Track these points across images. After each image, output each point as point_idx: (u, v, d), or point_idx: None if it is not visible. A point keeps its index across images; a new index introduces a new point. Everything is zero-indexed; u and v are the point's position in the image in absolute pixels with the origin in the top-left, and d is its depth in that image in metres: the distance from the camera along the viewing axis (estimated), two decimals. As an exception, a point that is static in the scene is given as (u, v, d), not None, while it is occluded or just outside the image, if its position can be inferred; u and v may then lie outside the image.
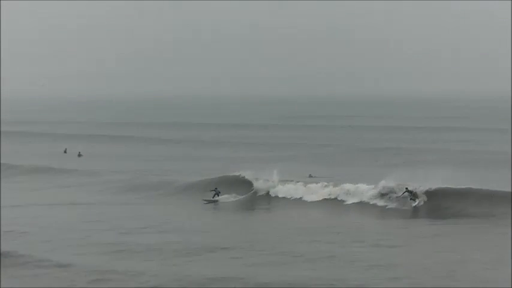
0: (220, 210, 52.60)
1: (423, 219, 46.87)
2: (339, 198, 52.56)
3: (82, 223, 45.68)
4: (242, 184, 57.48)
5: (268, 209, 52.99)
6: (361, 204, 50.96)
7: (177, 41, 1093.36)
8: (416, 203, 49.29)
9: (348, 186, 53.18)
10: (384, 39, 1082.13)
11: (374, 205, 50.38)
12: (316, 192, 54.12)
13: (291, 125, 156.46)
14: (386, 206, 49.90)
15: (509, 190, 48.08)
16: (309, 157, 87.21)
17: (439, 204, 48.89)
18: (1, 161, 77.18)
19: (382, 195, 50.76)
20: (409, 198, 49.52)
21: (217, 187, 55.43)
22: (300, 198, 54.07)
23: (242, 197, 55.49)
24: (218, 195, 54.73)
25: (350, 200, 51.88)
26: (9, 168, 74.98)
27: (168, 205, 54.24)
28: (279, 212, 51.42)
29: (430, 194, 49.78)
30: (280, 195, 55.16)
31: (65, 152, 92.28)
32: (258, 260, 35.23)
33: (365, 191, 51.91)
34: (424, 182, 50.05)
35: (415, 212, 48.51)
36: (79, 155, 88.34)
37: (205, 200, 54.52)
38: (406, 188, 49.73)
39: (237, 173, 59.27)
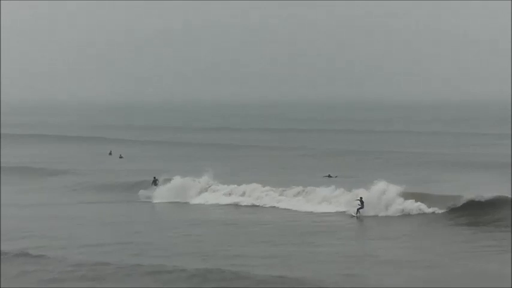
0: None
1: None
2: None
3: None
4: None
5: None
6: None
7: (177, 41, 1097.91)
8: (357, 214, 48.57)
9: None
10: (383, 39, 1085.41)
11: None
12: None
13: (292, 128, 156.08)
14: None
15: None
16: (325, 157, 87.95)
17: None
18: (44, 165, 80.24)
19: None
20: (357, 208, 48.72)
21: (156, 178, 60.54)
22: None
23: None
24: (156, 183, 59.77)
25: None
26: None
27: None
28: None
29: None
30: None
31: (110, 154, 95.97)
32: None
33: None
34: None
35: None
36: (120, 157, 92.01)
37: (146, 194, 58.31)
38: (361, 198, 49.17)
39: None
